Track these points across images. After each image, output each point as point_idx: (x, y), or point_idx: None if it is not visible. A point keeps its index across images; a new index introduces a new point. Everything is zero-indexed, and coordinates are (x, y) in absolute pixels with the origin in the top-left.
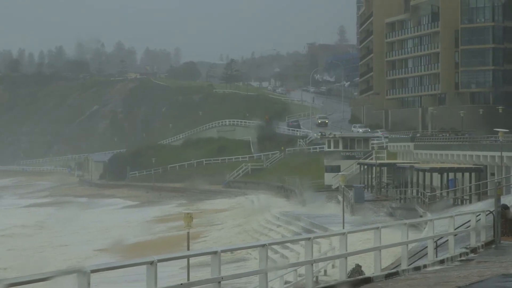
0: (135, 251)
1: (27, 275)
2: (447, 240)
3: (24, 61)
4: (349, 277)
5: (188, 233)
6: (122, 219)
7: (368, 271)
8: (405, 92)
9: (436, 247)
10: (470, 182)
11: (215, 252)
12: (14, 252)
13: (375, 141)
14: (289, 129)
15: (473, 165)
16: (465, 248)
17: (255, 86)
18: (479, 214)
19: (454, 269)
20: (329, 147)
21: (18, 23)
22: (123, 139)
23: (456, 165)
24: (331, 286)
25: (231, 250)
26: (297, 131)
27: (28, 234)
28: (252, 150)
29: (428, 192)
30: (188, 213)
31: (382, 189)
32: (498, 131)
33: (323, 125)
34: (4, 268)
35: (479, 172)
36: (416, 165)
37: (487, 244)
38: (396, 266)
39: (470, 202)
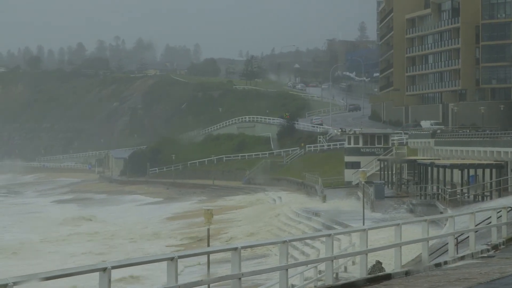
0: None
1: (49, 271)
2: (468, 236)
3: (44, 58)
4: (369, 273)
5: (208, 229)
6: (142, 215)
7: (389, 268)
8: (425, 88)
9: (457, 243)
10: (491, 178)
11: (235, 249)
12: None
13: (395, 138)
14: (309, 125)
15: (494, 161)
16: (486, 244)
17: (275, 82)
18: (500, 211)
19: (475, 265)
20: (349, 143)
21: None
22: (143, 135)
23: (476, 161)
24: (351, 282)
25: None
26: (317, 127)
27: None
28: (272, 146)
29: (448, 189)
30: (208, 210)
31: (403, 186)
32: None
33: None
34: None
35: (500, 168)
36: (437, 162)
37: (509, 241)
38: (417, 263)
39: (491, 198)
